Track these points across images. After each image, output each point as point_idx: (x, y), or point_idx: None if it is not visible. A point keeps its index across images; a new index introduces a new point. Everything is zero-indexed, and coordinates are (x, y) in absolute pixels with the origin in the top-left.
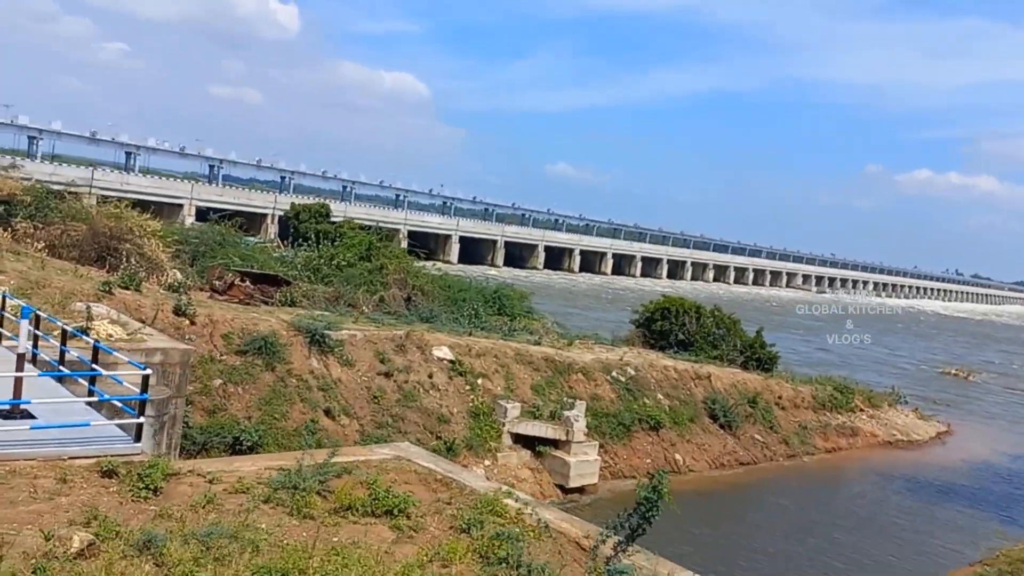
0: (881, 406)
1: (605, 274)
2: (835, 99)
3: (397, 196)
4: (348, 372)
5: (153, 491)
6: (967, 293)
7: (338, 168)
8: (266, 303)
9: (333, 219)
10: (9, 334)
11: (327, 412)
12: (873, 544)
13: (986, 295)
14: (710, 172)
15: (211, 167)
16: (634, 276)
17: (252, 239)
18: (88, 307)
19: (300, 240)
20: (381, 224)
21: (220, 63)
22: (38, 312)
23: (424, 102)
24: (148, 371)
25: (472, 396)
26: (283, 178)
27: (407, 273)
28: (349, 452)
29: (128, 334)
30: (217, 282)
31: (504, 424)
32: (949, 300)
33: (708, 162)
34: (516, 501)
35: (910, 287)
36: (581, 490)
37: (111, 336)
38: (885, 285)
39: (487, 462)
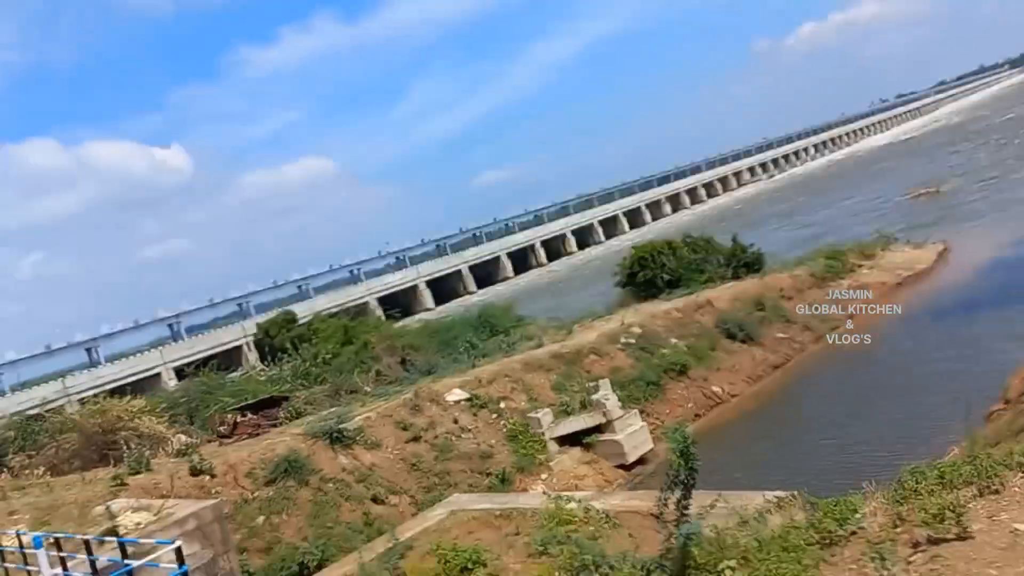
0: (876, 254)
1: (573, 252)
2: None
3: (351, 272)
4: (378, 454)
5: None
6: (899, 115)
7: (286, 272)
8: (274, 427)
9: (302, 321)
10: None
11: (375, 499)
12: (930, 382)
13: (917, 108)
14: (623, 120)
15: (170, 326)
16: (601, 243)
17: (235, 374)
18: (107, 507)
19: (280, 355)
20: (348, 305)
21: (138, 229)
22: (56, 536)
23: (335, 175)
24: (177, 543)
25: (502, 422)
26: (240, 306)
27: (391, 338)
28: (403, 529)
29: (155, 515)
30: (221, 428)
31: (544, 433)
32: (886, 129)
33: (617, 110)
34: (577, 503)
35: (847, 133)
36: (642, 461)
37: (139, 524)
38: (825, 142)
39: (544, 475)
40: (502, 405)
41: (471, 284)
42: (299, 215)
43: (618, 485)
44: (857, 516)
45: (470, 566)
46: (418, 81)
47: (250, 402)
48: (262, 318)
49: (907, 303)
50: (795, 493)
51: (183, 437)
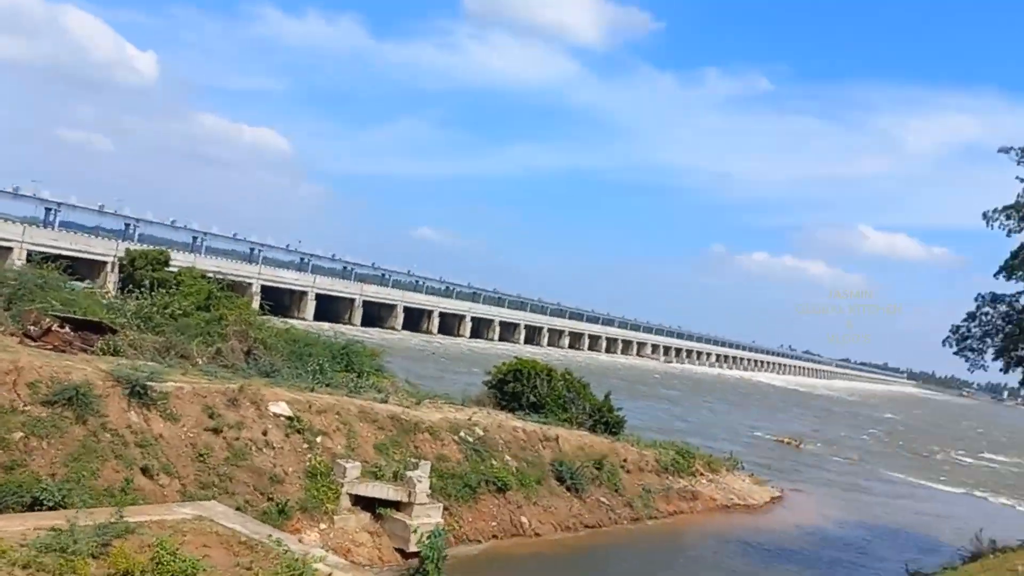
0: (720, 471)
1: (464, 336)
2: (685, 183)
3: (251, 250)
4: (171, 427)
5: None
6: (799, 367)
7: (189, 219)
8: (86, 351)
9: (174, 267)
10: None
11: (144, 470)
12: None
13: (816, 369)
14: (570, 244)
15: (47, 210)
16: (492, 340)
17: (80, 284)
18: None
19: (136, 288)
20: (231, 277)
21: (71, 107)
22: None
23: (286, 159)
24: None
25: (310, 455)
26: (127, 226)
27: (249, 325)
28: (142, 511)
29: None
30: (32, 327)
31: (343, 484)
32: (783, 373)
33: (567, 234)
34: (327, 566)
35: (748, 359)
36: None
37: None
38: (726, 357)
39: (323, 525)
40: (319, 439)
41: (357, 318)
42: (228, 172)
43: (387, 568)
44: None
45: None
46: (407, 116)
47: (75, 317)
48: (144, 248)
49: (727, 527)
50: None
51: None
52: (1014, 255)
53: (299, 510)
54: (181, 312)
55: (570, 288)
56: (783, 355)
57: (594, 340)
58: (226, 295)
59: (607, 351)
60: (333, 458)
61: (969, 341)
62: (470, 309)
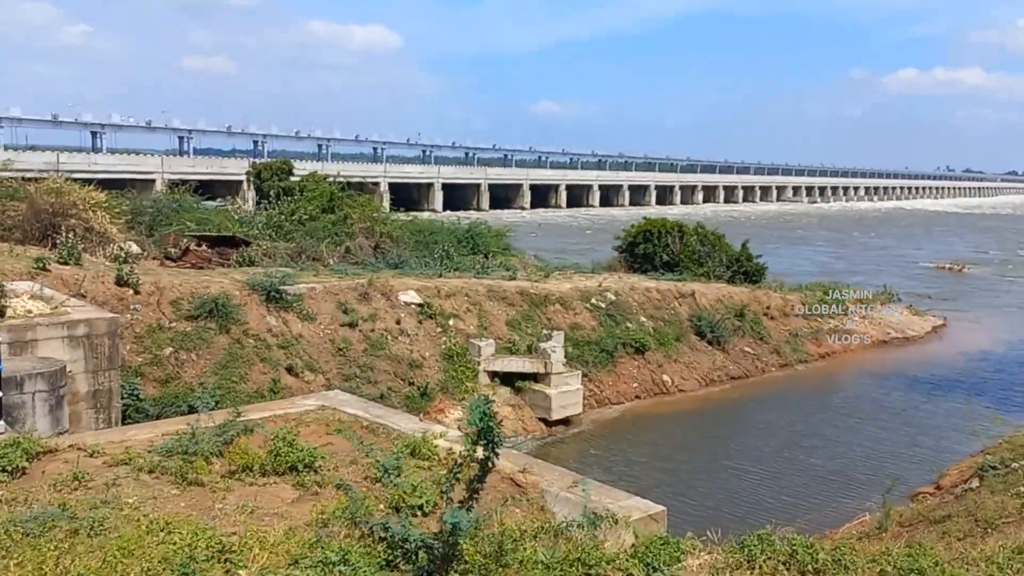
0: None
1: (593, 207)
2: (818, 4)
3: (375, 149)
4: (309, 327)
5: (10, 473)
6: (960, 188)
7: (313, 127)
8: (223, 266)
9: (299, 175)
10: None
11: (289, 370)
12: (870, 445)
13: (979, 188)
14: (697, 95)
15: (180, 139)
16: (623, 206)
17: (211, 203)
18: (2, 286)
19: (264, 200)
20: (359, 179)
21: (188, 34)
22: None
23: (398, 52)
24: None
25: (444, 338)
26: (256, 143)
27: (374, 221)
28: (267, 407)
29: (51, 308)
30: (172, 249)
31: (479, 363)
32: (942, 197)
33: (694, 85)
34: (448, 441)
35: (902, 188)
36: (566, 421)
37: (30, 312)
38: (877, 189)
39: (465, 403)
40: (451, 322)
41: (484, 202)
42: (344, 75)
43: (531, 437)
44: (678, 566)
45: (300, 468)
46: None
47: (210, 234)
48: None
49: (885, 363)
50: (663, 511)
51: (133, 245)
52: None
53: (440, 391)
54: (308, 216)
55: (701, 141)
56: (941, 177)
57: (730, 191)
58: (348, 194)
59: (745, 200)
60: (467, 338)
61: None
62: (597, 178)
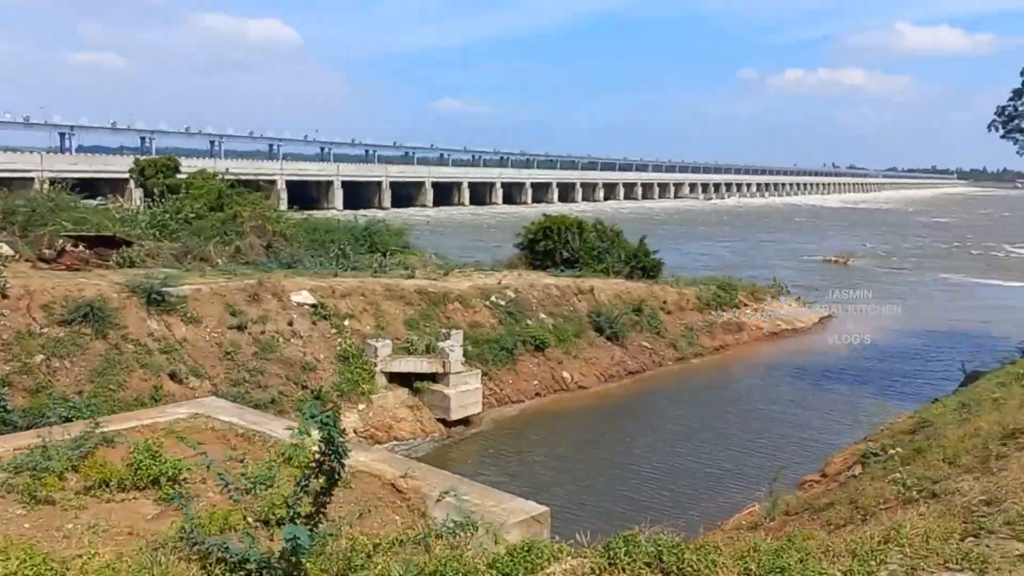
0: (764, 299)
1: (497, 204)
2: (709, 8)
3: (271, 147)
4: (194, 330)
5: None
6: (845, 184)
7: (207, 125)
8: (101, 268)
9: (187, 171)
10: None
11: (172, 376)
12: (760, 436)
13: (862, 184)
14: (598, 96)
15: (62, 136)
16: (526, 203)
17: (92, 202)
18: None
19: (149, 199)
20: (254, 177)
21: (78, 28)
22: None
23: (296, 48)
24: None
25: (340, 339)
26: (143, 140)
27: (265, 219)
28: (133, 416)
29: None
30: (46, 251)
31: (376, 364)
32: (829, 192)
33: (595, 86)
34: None
35: (791, 184)
36: (466, 421)
37: None
38: (769, 185)
39: (362, 406)
40: (346, 323)
41: (386, 200)
42: (240, 72)
43: (430, 439)
44: (540, 574)
45: (163, 481)
46: None
47: (87, 234)
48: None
49: (775, 354)
50: (546, 512)
51: (4, 247)
52: None
53: (335, 394)
54: (194, 215)
55: (601, 140)
56: (827, 174)
57: (629, 188)
58: (238, 192)
59: (644, 197)
60: (363, 339)
61: (1017, 121)
62: (499, 175)
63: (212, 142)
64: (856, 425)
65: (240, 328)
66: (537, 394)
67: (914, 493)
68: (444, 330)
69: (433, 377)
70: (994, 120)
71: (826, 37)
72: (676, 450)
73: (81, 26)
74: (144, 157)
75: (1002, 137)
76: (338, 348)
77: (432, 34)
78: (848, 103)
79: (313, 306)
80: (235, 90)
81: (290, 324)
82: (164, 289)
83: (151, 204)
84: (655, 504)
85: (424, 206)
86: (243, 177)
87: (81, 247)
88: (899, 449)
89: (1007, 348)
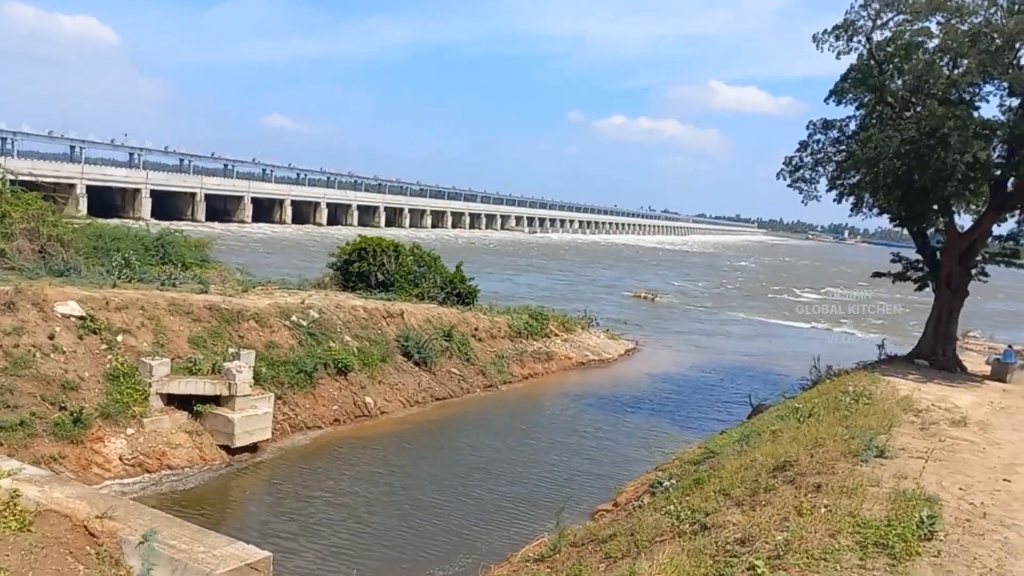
0: (575, 330)
1: (321, 224)
2: (542, 50)
3: (72, 148)
4: None
5: None
6: (660, 227)
7: (19, 123)
8: None
9: None
10: None
11: None
12: (558, 465)
13: (675, 227)
14: (429, 126)
15: None
16: (352, 225)
17: None
18: None
19: None
20: (52, 180)
21: None
22: None
23: (114, 50)
24: None
25: (110, 356)
26: None
27: (40, 221)
28: None
29: None
30: None
31: (151, 384)
32: (644, 234)
33: (427, 116)
34: (18, 481)
35: (611, 223)
36: (253, 448)
37: None
38: (591, 223)
39: (130, 430)
40: (119, 338)
41: (200, 213)
42: (58, 74)
43: (206, 468)
44: None
45: None
46: None
47: None
48: None
49: (580, 384)
50: (266, 559)
51: None
52: (844, 77)
53: (100, 417)
54: None
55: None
56: (644, 216)
57: (457, 217)
58: (12, 190)
59: (472, 227)
60: (139, 357)
61: (802, 171)
62: (324, 195)
63: (3, 139)
64: (651, 454)
65: None
66: (336, 420)
67: (686, 526)
68: (233, 350)
69: (217, 400)
70: (782, 169)
71: (646, 88)
72: (470, 481)
73: None
74: None
75: (788, 186)
76: (108, 366)
77: (264, 49)
78: (665, 151)
79: (81, 318)
80: (47, 90)
81: (51, 338)
82: None
83: None
84: (442, 538)
85: (243, 221)
86: (37, 179)
87: None
88: (675, 481)
89: (791, 383)
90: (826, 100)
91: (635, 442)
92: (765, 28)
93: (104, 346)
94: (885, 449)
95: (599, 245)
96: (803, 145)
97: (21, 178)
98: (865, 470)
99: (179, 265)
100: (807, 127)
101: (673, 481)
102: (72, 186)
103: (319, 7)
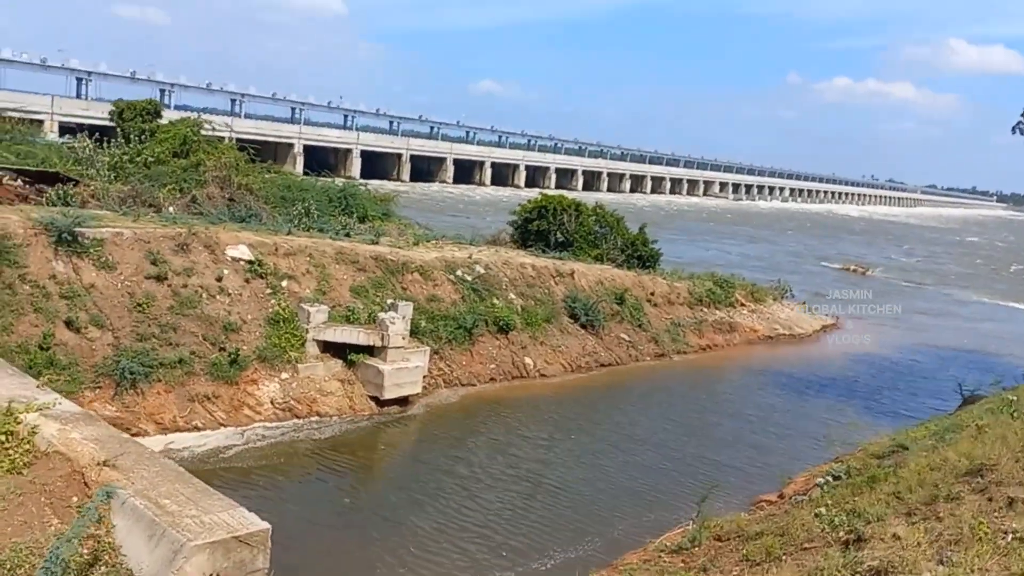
0: (765, 300)
1: (519, 187)
2: (758, 9)
3: (293, 110)
4: (106, 276)
5: None
6: (882, 197)
7: (225, 80)
8: (38, 203)
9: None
10: None
11: (69, 323)
12: (725, 445)
13: (899, 198)
14: (638, 87)
15: (79, 80)
16: (549, 188)
17: (57, 139)
18: None
19: (127, 142)
20: (272, 140)
21: None
22: None
23: (341, 18)
24: None
25: (273, 300)
26: (162, 92)
27: (231, 169)
28: None
29: None
30: None
31: (308, 330)
32: (864, 204)
33: (636, 77)
34: (48, 417)
35: (827, 192)
36: (404, 401)
37: None
38: (802, 191)
39: (285, 375)
40: (284, 283)
41: (405, 173)
42: (283, 37)
43: (352, 418)
44: None
45: None
46: None
47: (30, 169)
48: (176, 115)
49: (765, 359)
50: (262, 531)
51: None
52: None
53: (256, 359)
54: (154, 160)
55: (636, 133)
56: (864, 185)
57: (657, 182)
58: (208, 140)
59: (672, 192)
60: (300, 303)
61: None
62: (523, 158)
63: (233, 100)
64: (833, 442)
65: (159, 279)
66: (492, 379)
67: (840, 533)
68: (391, 300)
69: (371, 350)
70: (1020, 122)
71: (876, 48)
72: (630, 457)
73: None
74: (126, 100)
75: None
76: (270, 310)
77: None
78: (893, 116)
79: (250, 262)
80: (279, 54)
81: (219, 280)
82: (78, 229)
83: (115, 146)
84: (573, 518)
85: (444, 182)
86: (260, 138)
87: (20, 181)
88: (849, 476)
89: (1017, 374)
90: None
91: (816, 427)
92: None
93: (268, 290)
94: None
95: (809, 213)
96: None
97: (247, 136)
98: None
99: (360, 217)
100: None
101: (847, 476)
102: (291, 145)
103: None
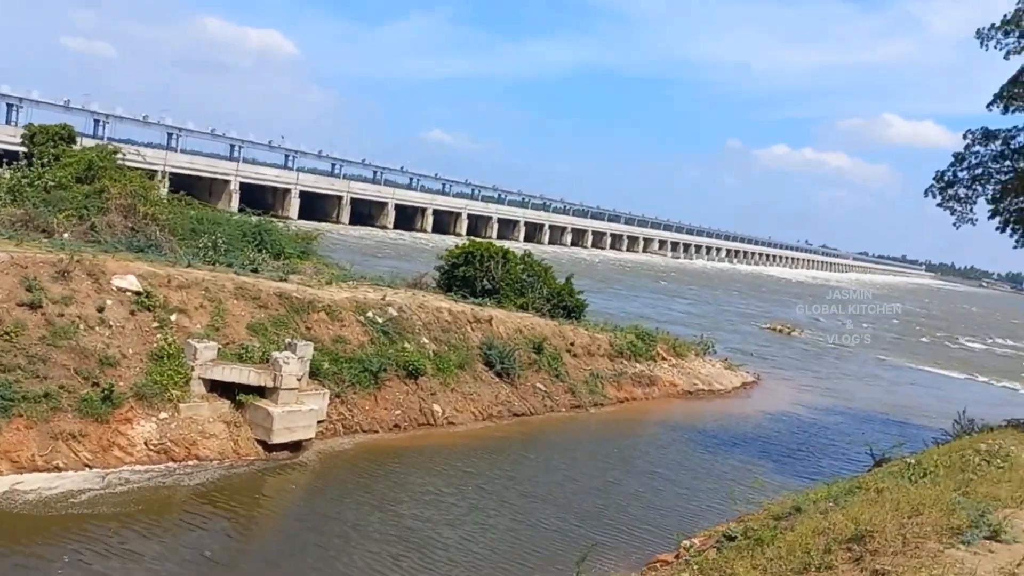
0: (686, 355)
1: (460, 235)
2: (703, 76)
3: (232, 147)
4: None
5: None
6: (814, 261)
7: (164, 114)
8: None
9: (150, 166)
10: None
11: None
12: (633, 502)
13: (831, 263)
14: (581, 146)
15: (9, 107)
16: (490, 238)
17: None
18: None
19: (29, 166)
20: (207, 176)
21: (71, 14)
22: None
23: (293, 62)
24: None
25: (160, 335)
26: (97, 122)
27: (140, 199)
28: None
29: None
30: None
31: (194, 368)
32: (797, 267)
33: (579, 136)
34: None
35: (761, 254)
36: (296, 446)
37: None
38: (738, 252)
39: (164, 414)
40: (173, 317)
41: (345, 216)
42: (239, 81)
43: (233, 463)
44: None
45: None
46: (417, 15)
47: None
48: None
49: (682, 414)
50: None
51: None
52: (1012, 81)
53: (133, 396)
54: (55, 184)
55: (582, 189)
56: (798, 249)
57: (598, 237)
58: (114, 166)
59: (612, 248)
60: (188, 338)
61: (955, 188)
62: (466, 206)
63: (170, 135)
64: (737, 501)
65: (33, 306)
66: (397, 425)
67: None
68: (288, 340)
69: (262, 391)
70: (932, 185)
71: (813, 119)
72: (502, 517)
73: (74, 12)
74: (38, 124)
75: (939, 205)
76: (154, 345)
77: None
78: (828, 184)
79: (137, 293)
80: (227, 95)
81: (100, 310)
82: None
83: (14, 169)
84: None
85: (384, 227)
86: (195, 173)
87: None
88: (744, 538)
89: (927, 436)
90: (988, 106)
91: (724, 486)
92: (947, 60)
93: (155, 324)
94: (1001, 529)
95: (741, 275)
96: (958, 158)
97: (181, 170)
98: (960, 555)
99: (276, 254)
100: (964, 136)
101: (742, 536)
102: (227, 182)
103: (482, 28)
